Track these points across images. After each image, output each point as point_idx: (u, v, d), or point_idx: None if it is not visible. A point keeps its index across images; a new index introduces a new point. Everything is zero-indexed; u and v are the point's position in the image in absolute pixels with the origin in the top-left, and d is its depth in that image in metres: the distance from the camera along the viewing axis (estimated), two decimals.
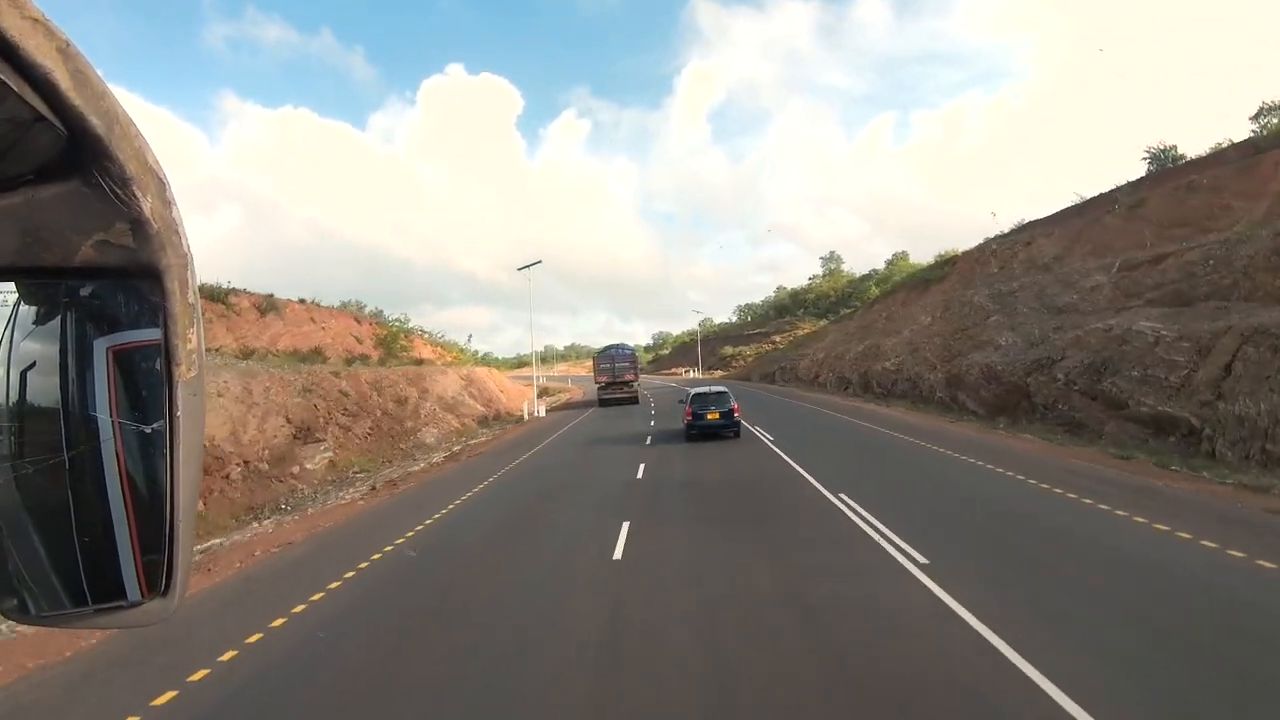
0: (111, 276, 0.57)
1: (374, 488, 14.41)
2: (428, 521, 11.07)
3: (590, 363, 58.41)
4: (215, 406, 15.32)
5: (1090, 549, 7.58)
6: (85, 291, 0.59)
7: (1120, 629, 5.42)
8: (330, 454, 18.28)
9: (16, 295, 0.60)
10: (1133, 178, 33.65)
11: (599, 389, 39.00)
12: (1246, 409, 12.49)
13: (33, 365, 0.60)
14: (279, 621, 6.77)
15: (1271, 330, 13.16)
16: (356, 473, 18.02)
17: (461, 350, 51.97)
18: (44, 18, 0.45)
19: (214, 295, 24.95)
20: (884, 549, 7.91)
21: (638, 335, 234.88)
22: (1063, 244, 32.20)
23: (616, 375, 38.20)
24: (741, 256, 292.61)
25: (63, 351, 0.59)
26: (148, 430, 0.58)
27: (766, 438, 18.76)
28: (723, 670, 5.11)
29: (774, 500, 11.05)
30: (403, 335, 37.57)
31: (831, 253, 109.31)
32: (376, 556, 9.09)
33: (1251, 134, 28.63)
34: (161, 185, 0.54)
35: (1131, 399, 15.82)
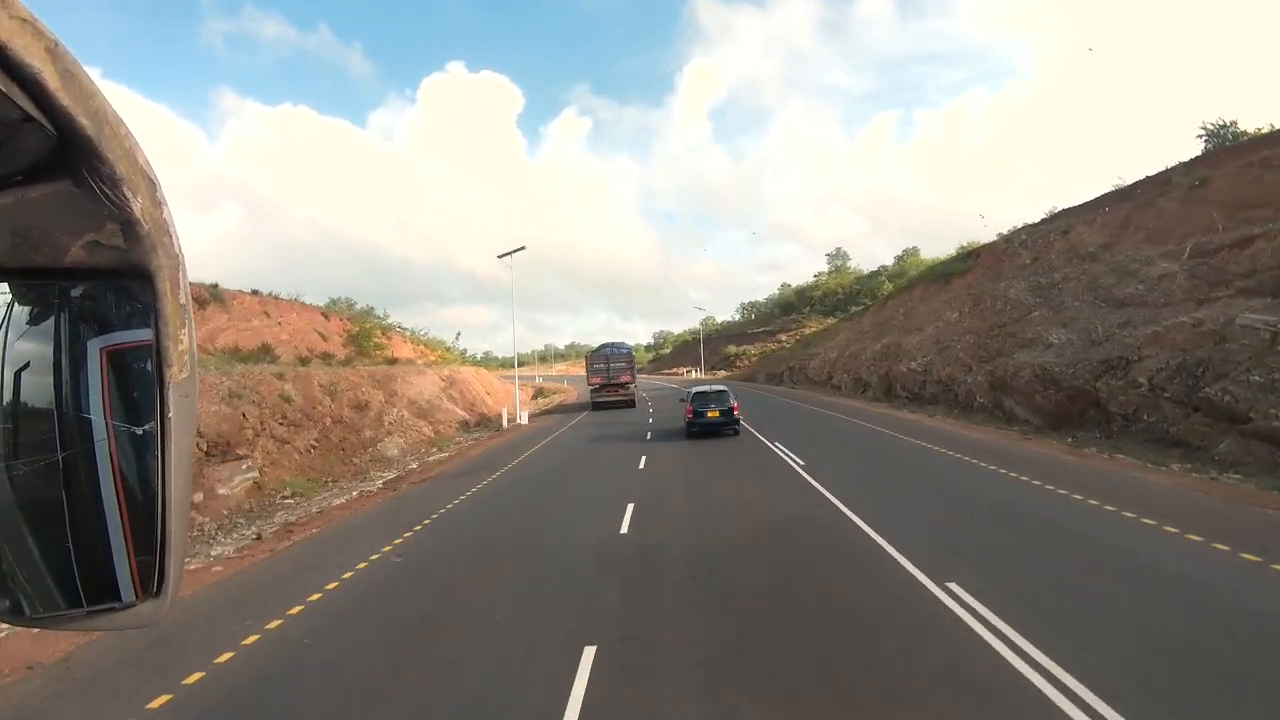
0: (103, 277, 0.57)
1: (259, 536, 10.76)
2: (245, 643, 6.23)
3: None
4: None
5: None
6: (77, 292, 0.59)
7: None
8: (255, 474, 14.95)
9: (8, 296, 0.59)
10: (1186, 157, 30.42)
11: (592, 391, 35.63)
12: None
13: (26, 365, 0.59)
14: None
15: None
16: (286, 498, 14.70)
17: (448, 349, 48.70)
18: (32, 17, 0.45)
19: None
20: None
21: (639, 334, 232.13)
22: (1109, 231, 28.89)
23: (611, 376, 34.80)
24: (743, 255, 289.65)
25: (56, 351, 0.59)
26: (140, 431, 0.58)
27: (794, 460, 14.58)
28: None
29: (837, 589, 6.71)
30: (378, 331, 34.23)
31: (838, 249, 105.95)
32: None
33: None
34: (152, 186, 0.54)
35: (1254, 410, 12.47)
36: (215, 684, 5.44)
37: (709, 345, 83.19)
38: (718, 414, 20.09)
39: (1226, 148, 29.48)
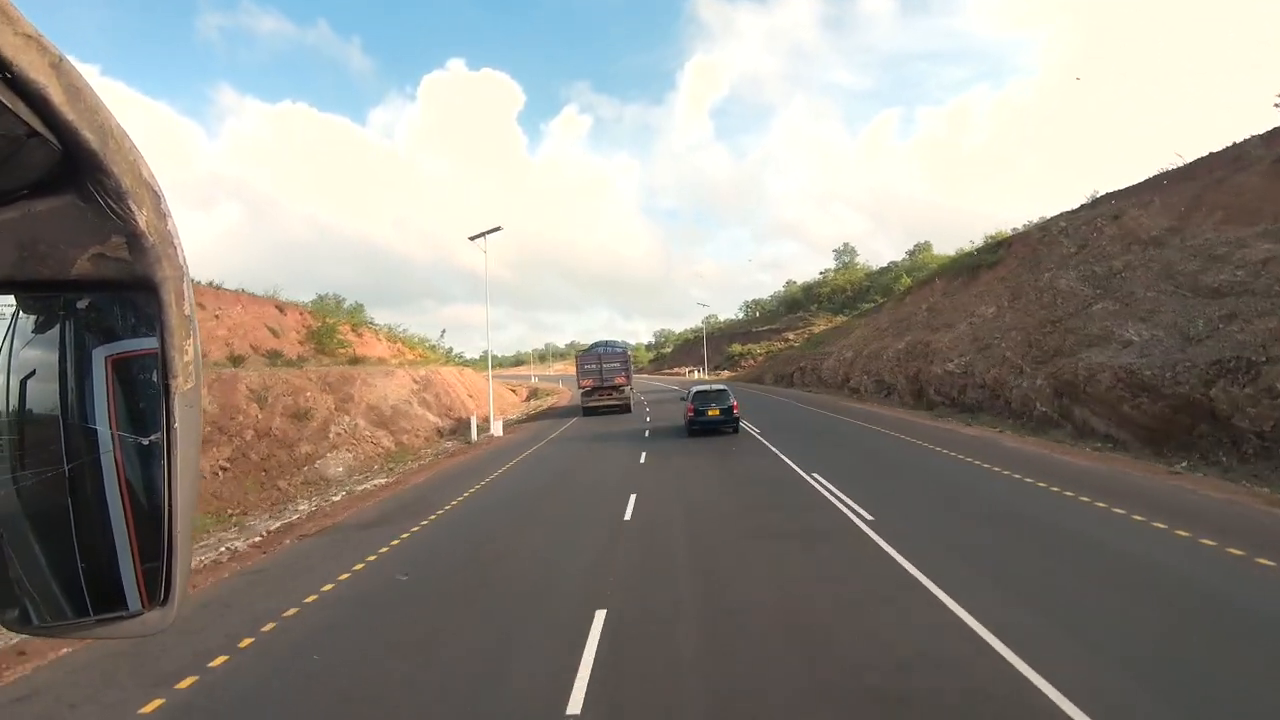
0: (108, 289, 0.57)
1: None
2: None
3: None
4: None
5: None
6: (82, 304, 0.59)
7: None
8: None
9: (15, 307, 0.60)
10: (1261, 130, 26.79)
11: (583, 394, 31.92)
12: None
13: (33, 373, 0.60)
14: None
15: None
16: None
17: (432, 347, 45.11)
18: (38, 34, 0.45)
19: None
20: None
21: (640, 333, 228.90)
22: (1174, 213, 25.23)
23: (604, 379, 31.05)
24: (744, 254, 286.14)
25: (62, 359, 0.59)
26: (145, 441, 0.58)
27: (856, 512, 9.77)
28: None
29: None
30: (344, 327, 30.57)
31: (845, 244, 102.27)
32: None
33: None
34: (157, 198, 0.55)
35: None
36: None
37: (712, 344, 79.46)
38: (718, 412, 20.48)
39: None
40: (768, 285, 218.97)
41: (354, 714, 4.98)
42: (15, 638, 5.82)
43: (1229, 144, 27.12)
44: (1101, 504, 9.66)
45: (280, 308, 27.51)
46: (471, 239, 25.18)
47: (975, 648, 5.28)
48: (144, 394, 0.59)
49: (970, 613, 5.91)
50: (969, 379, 23.74)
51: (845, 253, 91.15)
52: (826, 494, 11.21)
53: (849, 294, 79.35)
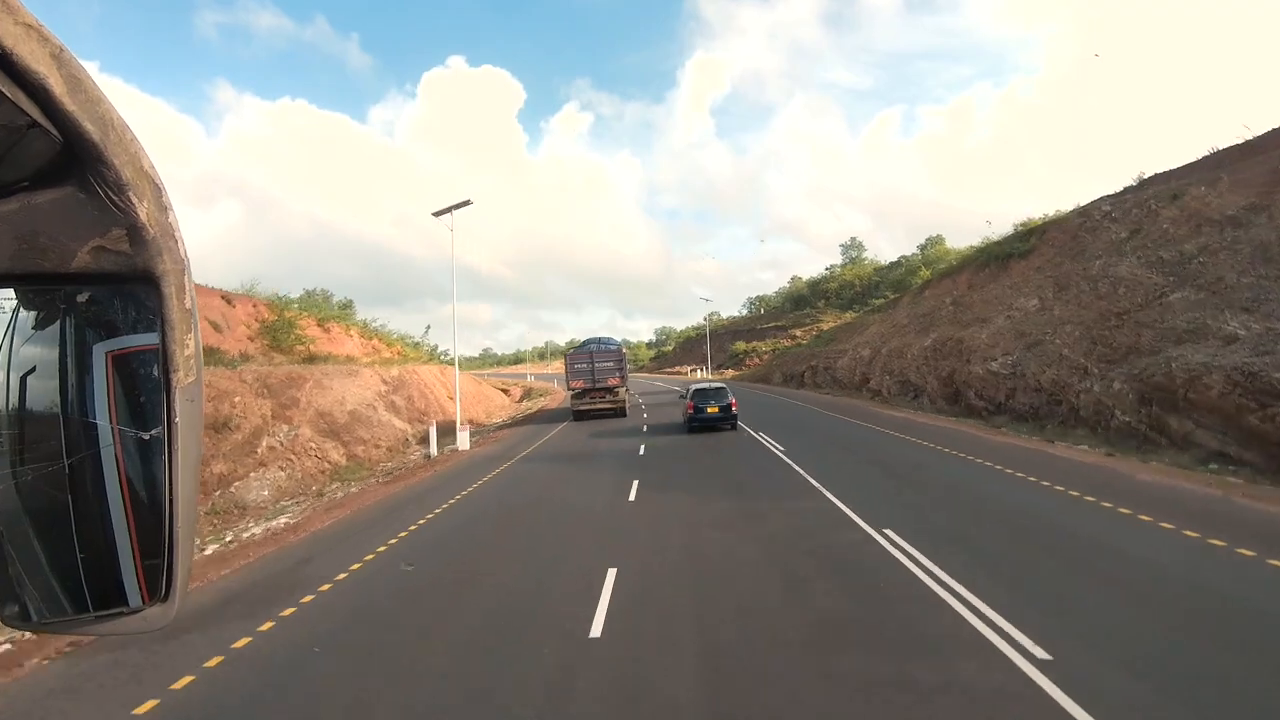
0: (108, 282, 0.57)
1: None
2: None
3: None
4: None
5: None
6: (83, 298, 0.59)
7: None
8: None
9: (15, 301, 0.59)
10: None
11: (572, 397, 28.57)
12: None
13: (33, 370, 0.59)
14: None
15: None
16: None
17: (415, 344, 41.87)
18: (38, 24, 0.45)
19: None
20: None
21: (641, 331, 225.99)
22: (1251, 189, 21.92)
23: (597, 379, 27.66)
24: (746, 252, 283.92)
25: (62, 356, 0.59)
26: (146, 436, 0.58)
27: (1004, 636, 5.50)
28: None
29: None
30: (305, 321, 27.24)
31: (852, 239, 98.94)
32: None
33: None
34: (158, 190, 0.54)
35: None
36: None
37: (715, 342, 76.08)
38: (717, 409, 21.01)
39: None
40: (769, 284, 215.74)
41: None
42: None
43: None
44: None
45: (228, 299, 24.21)
46: (436, 215, 21.59)
47: None
48: (144, 389, 0.58)
49: None
50: (1018, 381, 20.39)
51: (852, 248, 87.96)
52: (935, 587, 6.62)
53: (858, 289, 76.14)
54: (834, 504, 10.25)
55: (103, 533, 0.57)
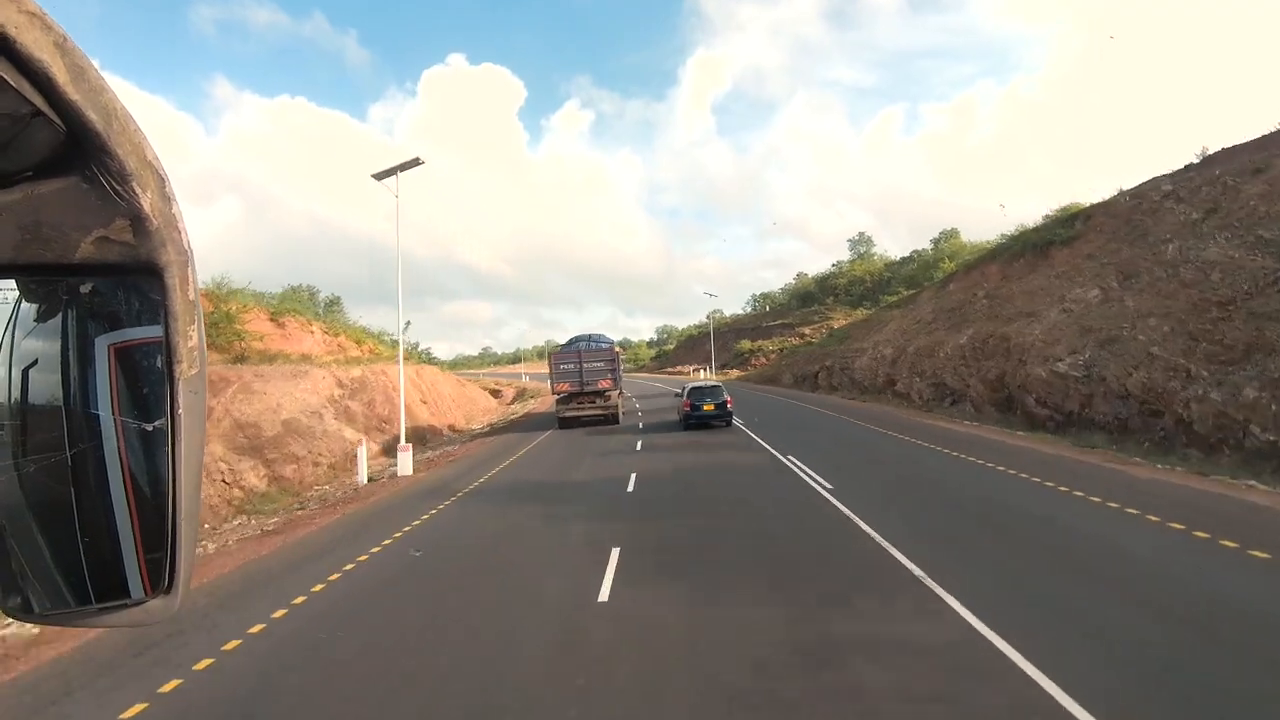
0: (111, 273, 0.57)
1: None
2: None
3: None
4: None
5: None
6: (85, 289, 0.58)
7: None
8: None
9: (17, 293, 0.59)
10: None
11: (558, 401, 24.96)
12: None
13: (35, 363, 0.59)
14: None
15: None
16: None
17: (393, 342, 38.27)
18: (41, 11, 0.45)
19: None
20: None
21: (642, 330, 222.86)
22: None
23: (586, 382, 24.01)
24: (748, 252, 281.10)
25: (64, 349, 0.59)
26: (149, 428, 0.58)
27: None
28: None
29: None
30: (249, 315, 23.62)
31: (861, 234, 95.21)
32: None
33: None
34: (161, 181, 0.54)
35: None
36: None
37: (718, 340, 72.40)
38: (712, 407, 21.40)
39: None
40: (771, 282, 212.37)
41: None
42: None
43: None
44: None
45: None
46: (378, 177, 17.63)
47: None
48: (147, 381, 0.58)
49: None
50: (1095, 385, 16.73)
51: (861, 243, 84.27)
52: None
53: (868, 285, 72.49)
54: (979, 633, 5.53)
55: (105, 525, 0.57)
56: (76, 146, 0.49)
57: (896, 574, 7.19)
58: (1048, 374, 18.36)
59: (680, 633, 6.00)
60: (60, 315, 0.58)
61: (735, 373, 62.94)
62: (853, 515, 9.79)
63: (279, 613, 7.16)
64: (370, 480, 16.49)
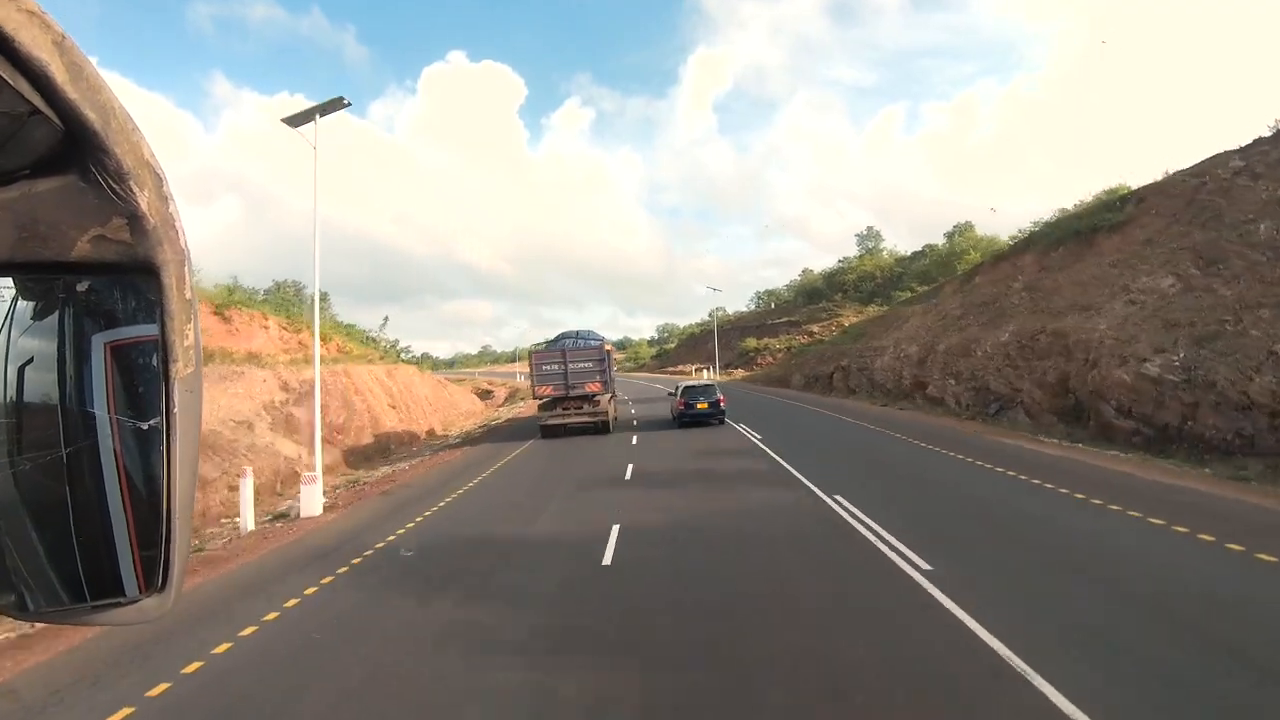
0: (108, 272, 0.57)
1: None
2: None
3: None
4: None
5: None
6: (82, 287, 0.59)
7: None
8: None
9: (13, 290, 0.59)
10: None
11: (540, 407, 21.76)
12: None
13: (30, 361, 0.59)
14: None
15: None
16: None
17: (368, 340, 35.06)
18: (40, 10, 0.45)
19: None
20: None
21: (643, 329, 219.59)
22: None
23: (571, 385, 20.71)
24: (748, 251, 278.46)
25: (60, 347, 0.59)
26: (145, 427, 0.58)
27: None
28: None
29: None
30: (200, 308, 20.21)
31: (869, 229, 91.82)
32: None
33: None
34: (159, 180, 0.54)
35: None
36: None
37: (721, 338, 69.05)
38: (706, 406, 22.32)
39: None
40: (773, 280, 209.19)
41: None
42: None
43: None
44: None
45: None
46: (291, 121, 13.78)
47: None
48: (143, 380, 0.58)
49: None
50: (1200, 392, 13.40)
51: (869, 238, 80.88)
52: None
53: (878, 281, 69.17)
54: None
55: (100, 523, 0.57)
56: (74, 145, 0.48)
57: None
58: (1133, 377, 15.03)
59: None
60: (57, 313, 0.58)
61: (740, 373, 59.63)
62: (995, 643, 5.33)
63: None
64: (277, 518, 13.00)
